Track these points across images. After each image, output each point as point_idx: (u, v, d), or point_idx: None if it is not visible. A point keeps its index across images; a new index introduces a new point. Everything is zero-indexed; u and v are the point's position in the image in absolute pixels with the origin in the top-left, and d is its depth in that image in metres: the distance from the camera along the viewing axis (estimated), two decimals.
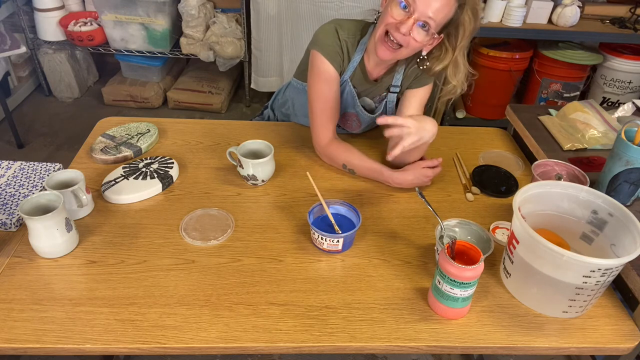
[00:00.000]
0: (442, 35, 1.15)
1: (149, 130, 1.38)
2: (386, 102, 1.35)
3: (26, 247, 1.00)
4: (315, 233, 1.02)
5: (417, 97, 1.30)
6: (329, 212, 1.07)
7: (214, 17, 2.91)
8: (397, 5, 1.09)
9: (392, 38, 1.12)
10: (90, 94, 3.23)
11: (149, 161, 1.27)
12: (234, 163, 1.24)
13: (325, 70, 1.23)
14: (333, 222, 1.06)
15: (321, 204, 1.08)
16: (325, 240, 1.02)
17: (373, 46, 1.20)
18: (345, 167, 1.27)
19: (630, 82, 2.76)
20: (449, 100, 1.26)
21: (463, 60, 1.18)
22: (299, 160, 1.34)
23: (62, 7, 2.93)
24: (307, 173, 1.11)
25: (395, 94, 1.33)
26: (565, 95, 2.82)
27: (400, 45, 1.12)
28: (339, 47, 1.23)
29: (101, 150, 1.30)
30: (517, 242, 0.91)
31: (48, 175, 1.15)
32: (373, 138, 1.45)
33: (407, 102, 1.30)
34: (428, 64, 1.22)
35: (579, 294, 0.88)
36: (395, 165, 1.25)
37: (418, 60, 1.24)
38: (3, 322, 0.87)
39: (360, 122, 1.39)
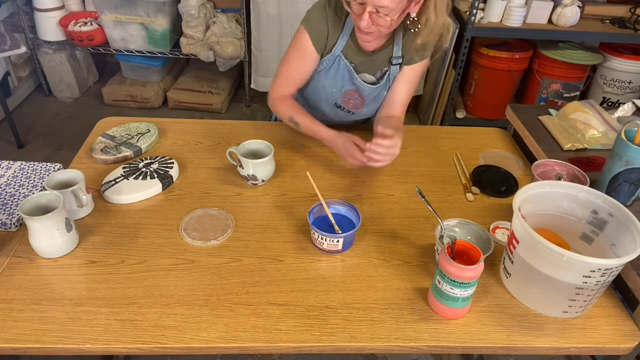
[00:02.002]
0: (411, 3, 1.12)
1: (149, 130, 1.38)
2: (388, 75, 1.33)
3: (26, 247, 1.00)
4: (315, 233, 1.02)
5: (413, 73, 1.32)
6: (329, 212, 1.07)
7: (214, 17, 2.92)
8: (353, 2, 1.12)
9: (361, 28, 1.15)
10: (90, 94, 3.23)
11: (149, 161, 1.27)
12: (234, 163, 1.24)
13: (303, 46, 1.26)
14: (333, 222, 1.06)
15: (321, 204, 1.08)
16: (325, 240, 1.02)
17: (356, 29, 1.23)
18: (291, 119, 1.30)
19: (630, 82, 2.76)
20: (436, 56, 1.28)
21: (440, 10, 1.16)
22: (299, 160, 1.34)
23: (62, 7, 2.94)
24: (307, 173, 1.11)
25: (397, 66, 1.32)
26: (565, 95, 2.82)
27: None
28: (325, 21, 1.24)
29: (101, 150, 1.30)
30: (517, 242, 0.91)
31: (48, 175, 1.15)
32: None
33: (402, 78, 1.33)
34: (420, 26, 1.19)
35: (579, 294, 0.88)
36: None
37: (409, 22, 1.20)
38: (3, 322, 0.87)
39: (363, 97, 1.36)
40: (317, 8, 1.25)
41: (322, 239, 1.02)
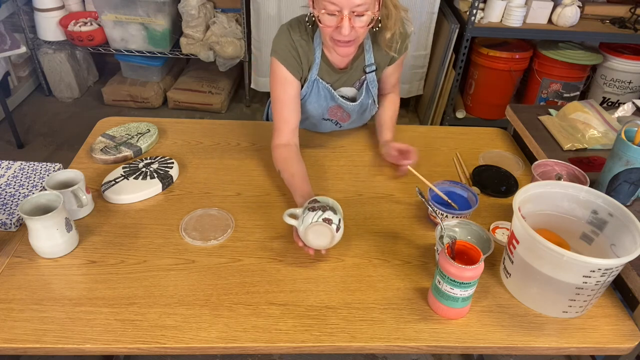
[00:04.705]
0: None
1: (149, 130, 1.38)
2: (367, 84, 1.32)
3: (26, 247, 1.00)
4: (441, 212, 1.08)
5: (396, 69, 1.36)
6: (442, 194, 1.12)
7: (214, 17, 2.91)
8: (324, 15, 1.09)
9: (340, 39, 1.12)
10: (90, 94, 3.23)
11: (149, 161, 1.27)
12: (292, 223, 1.02)
13: (280, 75, 1.23)
14: (449, 201, 1.11)
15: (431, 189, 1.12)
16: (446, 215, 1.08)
17: (328, 46, 1.20)
18: (280, 172, 1.23)
19: (630, 82, 2.76)
20: (392, 43, 1.25)
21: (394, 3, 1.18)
22: None
23: (62, 7, 2.93)
24: (409, 167, 1.16)
25: (374, 73, 1.31)
26: (565, 95, 2.82)
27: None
28: (294, 49, 1.22)
29: (101, 150, 1.30)
30: (517, 242, 0.91)
31: (48, 175, 1.15)
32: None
33: (387, 77, 1.37)
34: (381, 24, 1.19)
35: (579, 294, 0.88)
36: None
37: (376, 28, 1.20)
38: (3, 322, 0.87)
39: (348, 112, 1.38)
40: (282, 35, 1.23)
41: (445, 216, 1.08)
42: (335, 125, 1.44)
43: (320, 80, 1.28)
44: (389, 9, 1.16)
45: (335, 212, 0.98)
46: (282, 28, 1.24)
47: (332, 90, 1.30)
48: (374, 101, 1.38)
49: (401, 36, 1.25)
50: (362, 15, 1.08)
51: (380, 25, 1.19)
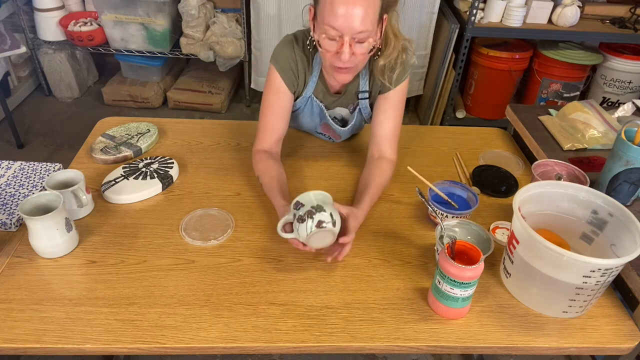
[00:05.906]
0: (381, 21, 1.08)
1: (149, 130, 1.38)
2: (359, 109, 1.30)
3: (26, 247, 1.00)
4: (441, 212, 1.08)
5: (392, 101, 1.23)
6: (443, 195, 1.12)
7: (214, 17, 2.91)
8: (325, 40, 1.06)
9: (339, 66, 1.10)
10: (90, 94, 3.23)
11: (149, 161, 1.27)
12: (289, 237, 0.99)
13: (274, 84, 1.21)
14: (449, 201, 1.12)
15: (431, 189, 1.12)
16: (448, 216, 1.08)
17: (327, 71, 1.18)
18: (258, 178, 1.21)
19: (630, 82, 2.76)
20: (388, 72, 1.17)
21: (396, 26, 1.14)
22: (298, 160, 1.34)
23: (62, 7, 2.93)
24: (409, 167, 1.12)
25: (367, 100, 1.28)
26: (565, 95, 2.82)
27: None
28: (294, 62, 1.21)
29: (101, 150, 1.30)
30: (517, 242, 0.91)
31: (48, 175, 1.15)
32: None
33: (381, 109, 1.24)
34: (381, 49, 1.15)
35: (579, 294, 0.88)
36: None
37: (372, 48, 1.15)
38: (3, 322, 0.87)
39: (338, 134, 1.37)
40: (285, 46, 1.21)
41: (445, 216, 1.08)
42: (329, 139, 1.44)
43: (315, 98, 1.27)
44: (388, 37, 1.14)
45: (323, 209, 0.94)
46: (286, 38, 1.22)
47: (325, 111, 1.29)
48: (365, 120, 1.35)
49: (400, 66, 1.18)
50: (363, 42, 1.05)
51: (378, 53, 1.16)
